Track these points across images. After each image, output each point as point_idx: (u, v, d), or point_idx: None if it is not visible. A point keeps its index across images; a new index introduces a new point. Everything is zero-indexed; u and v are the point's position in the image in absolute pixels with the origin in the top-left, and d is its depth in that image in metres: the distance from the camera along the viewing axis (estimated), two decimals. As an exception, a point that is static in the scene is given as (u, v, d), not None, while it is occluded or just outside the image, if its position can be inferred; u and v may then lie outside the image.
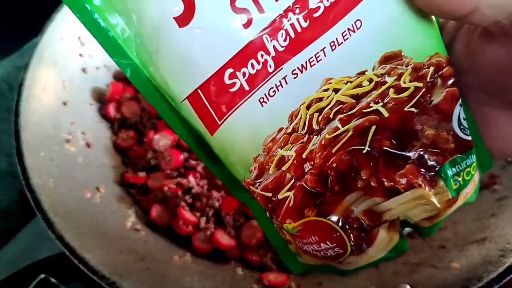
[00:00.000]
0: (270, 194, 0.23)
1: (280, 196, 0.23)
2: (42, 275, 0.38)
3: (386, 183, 0.21)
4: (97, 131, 0.47)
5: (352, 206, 0.22)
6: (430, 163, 0.21)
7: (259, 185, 0.23)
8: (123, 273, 0.33)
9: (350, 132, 0.21)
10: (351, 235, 0.22)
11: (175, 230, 0.42)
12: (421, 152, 0.21)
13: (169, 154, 0.45)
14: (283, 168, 0.22)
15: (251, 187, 0.24)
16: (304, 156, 0.22)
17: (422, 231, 0.24)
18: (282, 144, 0.22)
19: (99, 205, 0.40)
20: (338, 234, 0.22)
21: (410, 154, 0.21)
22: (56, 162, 0.40)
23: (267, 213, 0.25)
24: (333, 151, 0.21)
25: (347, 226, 0.22)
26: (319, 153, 0.22)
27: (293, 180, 0.22)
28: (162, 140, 0.46)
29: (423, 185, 0.21)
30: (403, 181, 0.21)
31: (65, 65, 0.46)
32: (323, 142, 0.22)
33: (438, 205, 0.21)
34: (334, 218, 0.22)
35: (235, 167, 0.24)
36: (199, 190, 0.43)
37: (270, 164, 0.23)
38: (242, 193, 0.26)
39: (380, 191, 0.21)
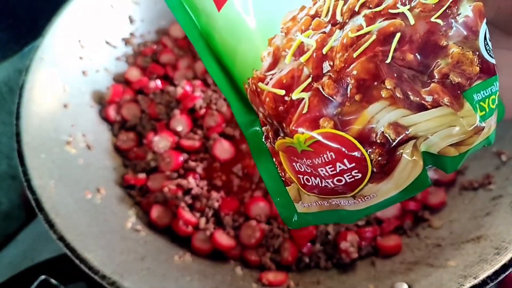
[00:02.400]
0: (283, 92, 0.21)
1: (294, 96, 0.20)
2: (43, 276, 0.39)
3: (412, 97, 0.20)
4: (97, 133, 0.48)
5: (375, 117, 0.20)
6: (455, 84, 0.20)
7: (270, 79, 0.21)
8: (124, 273, 0.33)
9: (374, 36, 0.20)
10: (374, 152, 0.20)
11: (175, 230, 0.42)
12: (446, 72, 0.20)
13: (169, 155, 0.46)
14: (301, 60, 0.20)
15: (260, 84, 0.21)
16: (324, 51, 0.20)
17: (446, 163, 0.21)
18: (303, 27, 0.20)
19: (100, 206, 0.40)
20: (358, 151, 0.20)
21: (435, 72, 0.20)
22: (57, 164, 0.40)
23: (274, 124, 0.22)
24: (354, 55, 0.20)
25: (369, 142, 0.20)
26: (340, 53, 0.20)
27: (310, 78, 0.20)
28: (161, 141, 0.47)
29: (449, 105, 0.20)
30: (429, 98, 0.20)
31: (65, 68, 0.47)
32: (344, 40, 0.20)
33: (467, 128, 0.20)
34: (354, 131, 0.20)
35: (242, 57, 0.21)
36: (198, 191, 0.44)
37: (287, 50, 0.21)
38: (243, 111, 0.23)
39: (407, 103, 0.20)
